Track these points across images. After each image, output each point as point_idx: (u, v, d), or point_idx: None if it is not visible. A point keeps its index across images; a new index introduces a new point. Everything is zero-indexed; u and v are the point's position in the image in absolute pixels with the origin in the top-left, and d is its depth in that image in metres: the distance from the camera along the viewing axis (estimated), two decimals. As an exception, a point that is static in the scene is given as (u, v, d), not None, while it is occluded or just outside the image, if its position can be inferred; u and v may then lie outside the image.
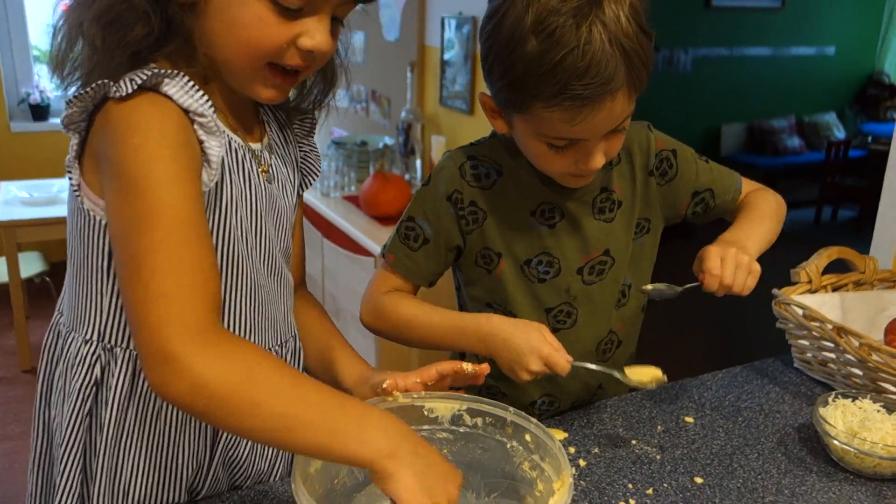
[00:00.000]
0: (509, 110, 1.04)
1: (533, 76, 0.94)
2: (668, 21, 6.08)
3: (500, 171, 1.16)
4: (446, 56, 3.13)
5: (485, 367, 0.99)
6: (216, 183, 0.86)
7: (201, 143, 0.81)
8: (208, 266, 0.76)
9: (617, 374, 1.11)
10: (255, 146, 0.97)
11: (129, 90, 0.77)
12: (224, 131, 0.89)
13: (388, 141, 3.37)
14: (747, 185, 1.31)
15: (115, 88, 0.78)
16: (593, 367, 1.10)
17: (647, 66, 0.97)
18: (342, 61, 1.03)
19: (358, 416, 0.77)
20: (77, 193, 0.86)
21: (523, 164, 1.14)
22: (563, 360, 1.04)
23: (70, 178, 0.86)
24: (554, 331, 1.20)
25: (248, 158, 0.94)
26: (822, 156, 6.45)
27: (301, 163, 1.09)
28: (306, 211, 2.92)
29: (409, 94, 3.31)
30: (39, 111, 4.29)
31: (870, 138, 6.76)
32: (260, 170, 0.96)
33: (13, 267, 3.27)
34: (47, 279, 3.66)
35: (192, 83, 0.81)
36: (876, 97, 7.47)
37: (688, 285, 1.12)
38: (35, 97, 4.27)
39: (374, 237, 2.64)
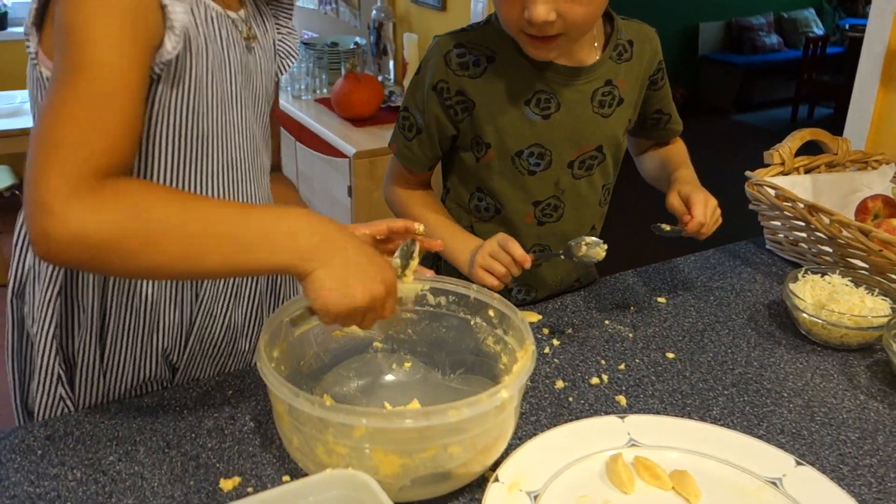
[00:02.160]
0: None
1: None
2: (646, -86, 5.90)
3: (491, 58, 1.13)
4: (416, -50, 3.03)
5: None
6: (191, 49, 0.83)
7: (164, 7, 0.77)
8: (118, 128, 0.72)
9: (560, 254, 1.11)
10: (233, 15, 0.93)
11: None
12: None
13: (360, 41, 3.29)
14: None
15: None
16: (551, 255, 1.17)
17: None
18: None
19: (270, 222, 0.74)
20: (35, 62, 0.84)
21: (518, 49, 1.10)
22: (520, 251, 1.06)
23: (28, 46, 0.83)
24: (539, 224, 1.20)
25: (226, 26, 0.90)
26: (800, 53, 6.39)
27: (278, 44, 1.05)
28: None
29: (379, -8, 3.21)
30: (5, 19, 4.13)
31: (847, 26, 6.69)
32: (242, 37, 0.93)
33: (-19, 180, 3.20)
34: (17, 192, 3.59)
35: None
36: (855, -9, 7.37)
37: (678, 228, 1.15)
38: (2, 3, 4.11)
39: (348, 139, 2.61)
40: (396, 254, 0.92)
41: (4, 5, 4.13)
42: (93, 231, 0.68)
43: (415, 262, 0.92)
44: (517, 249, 1.05)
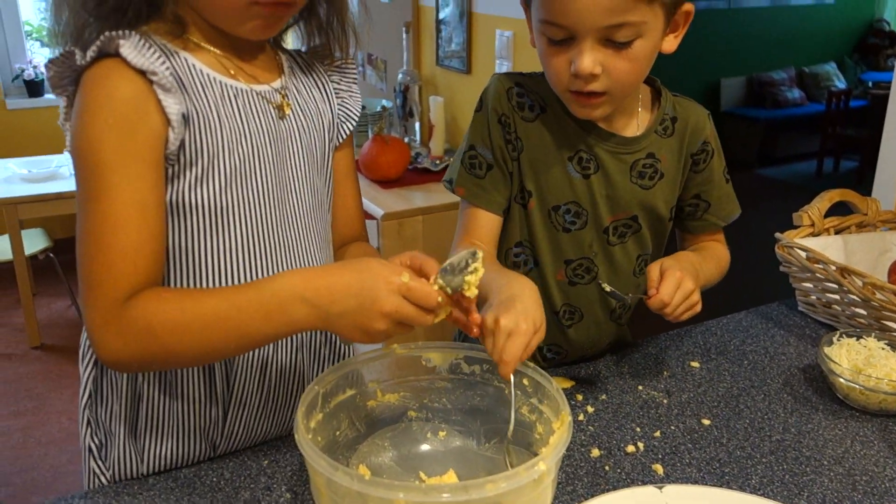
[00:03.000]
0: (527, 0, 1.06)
1: None
2: (665, -26, 5.99)
3: (543, 107, 1.15)
4: (441, 15, 3.10)
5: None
6: (199, 130, 0.87)
7: (160, 101, 0.83)
8: (136, 250, 0.81)
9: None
10: (262, 87, 0.96)
11: (89, 58, 0.81)
12: (205, 79, 0.90)
13: (386, 104, 3.35)
14: (720, 234, 1.31)
15: (78, 56, 0.82)
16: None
17: None
18: None
19: (274, 300, 0.80)
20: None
21: (565, 108, 1.12)
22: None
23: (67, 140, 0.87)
24: (570, 284, 1.21)
25: (248, 100, 0.94)
26: (823, 107, 6.41)
27: (337, 108, 1.07)
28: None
29: (405, 56, 3.29)
30: (34, 87, 4.27)
31: (870, 83, 6.71)
32: (273, 107, 0.96)
33: (17, 244, 3.27)
34: (51, 255, 3.67)
35: (144, 42, 0.84)
36: (876, 46, 7.39)
37: (639, 295, 1.08)
38: (29, 73, 4.24)
39: (376, 200, 2.64)
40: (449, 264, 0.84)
41: (41, 73, 4.26)
42: (123, 356, 0.81)
43: (475, 276, 0.84)
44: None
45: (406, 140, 3.17)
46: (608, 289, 1.08)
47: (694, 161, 1.21)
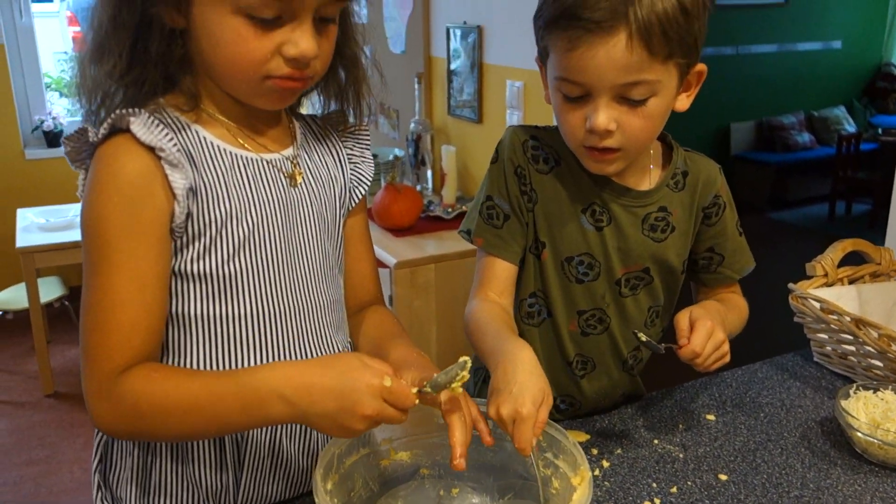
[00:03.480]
0: (542, 57, 1.08)
1: (548, 3, 1.02)
2: (673, 22, 6.06)
3: (557, 160, 1.17)
4: (453, 66, 3.15)
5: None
6: (206, 201, 0.89)
7: (167, 176, 0.86)
8: (132, 326, 0.85)
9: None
10: (273, 156, 0.98)
11: (101, 135, 0.85)
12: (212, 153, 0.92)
13: (399, 153, 3.39)
14: (737, 286, 1.31)
15: (91, 133, 0.85)
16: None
17: (666, 27, 0.96)
18: (368, 57, 1.04)
19: (253, 394, 0.82)
20: None
21: (579, 161, 1.14)
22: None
23: None
24: (583, 334, 1.21)
25: (258, 169, 0.95)
26: (833, 150, 6.42)
27: (350, 173, 1.09)
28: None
29: (417, 106, 3.33)
30: (53, 138, 4.34)
31: (880, 130, 6.73)
32: (285, 175, 0.98)
33: (33, 292, 3.30)
34: (66, 303, 3.69)
35: (153, 119, 0.86)
36: (884, 90, 7.44)
37: (671, 345, 1.07)
38: (48, 124, 4.32)
39: (388, 249, 2.66)
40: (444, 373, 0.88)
41: (60, 124, 4.34)
42: (114, 427, 0.86)
43: (460, 382, 0.87)
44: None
45: (418, 188, 3.19)
46: (644, 338, 1.08)
47: (706, 215, 1.22)
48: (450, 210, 2.93)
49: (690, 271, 1.27)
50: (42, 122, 4.33)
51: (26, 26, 4.25)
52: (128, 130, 0.84)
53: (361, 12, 1.07)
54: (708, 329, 1.04)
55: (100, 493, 1.00)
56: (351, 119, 1.08)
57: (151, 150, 0.85)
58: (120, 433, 0.88)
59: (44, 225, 3.47)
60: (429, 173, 3.28)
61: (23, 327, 3.72)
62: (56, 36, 5.09)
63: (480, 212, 1.20)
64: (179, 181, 0.86)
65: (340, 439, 0.89)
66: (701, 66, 1.07)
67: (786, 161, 6.60)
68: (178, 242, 0.89)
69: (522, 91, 2.72)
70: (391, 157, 3.36)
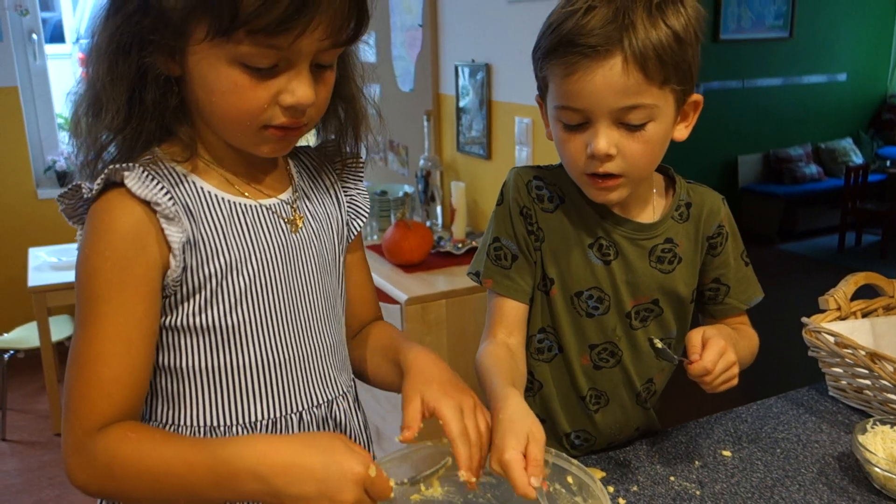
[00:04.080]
0: (542, 91, 1.11)
1: (546, 35, 1.05)
2: (678, 57, 6.12)
3: (562, 198, 1.18)
4: (461, 103, 3.18)
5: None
6: (204, 254, 0.89)
7: (163, 230, 0.85)
8: (113, 382, 0.84)
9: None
10: (272, 201, 0.97)
11: (95, 191, 0.85)
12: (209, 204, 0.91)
13: (408, 189, 3.41)
14: (745, 317, 1.31)
15: (85, 189, 0.85)
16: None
17: (660, 52, 0.99)
18: (367, 98, 1.04)
19: (226, 468, 0.80)
20: None
21: (583, 195, 1.15)
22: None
23: None
24: (595, 368, 1.21)
25: (257, 216, 0.95)
26: (842, 182, 6.43)
27: (347, 206, 1.09)
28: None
29: (426, 143, 3.36)
30: (65, 177, 4.38)
31: (888, 163, 6.74)
32: (285, 221, 0.97)
33: (44, 331, 3.31)
34: (77, 342, 3.69)
35: (148, 173, 0.85)
36: (891, 121, 7.47)
37: (682, 359, 1.08)
38: (61, 164, 4.36)
39: (399, 285, 2.66)
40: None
41: (73, 164, 4.38)
42: (88, 486, 0.84)
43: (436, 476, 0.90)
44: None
45: (428, 224, 3.21)
46: (659, 345, 1.10)
47: (710, 245, 1.23)
48: (460, 245, 2.94)
49: (698, 303, 1.27)
50: (55, 162, 4.38)
51: (40, 68, 4.32)
52: (122, 185, 0.84)
53: (369, 51, 1.09)
54: (720, 348, 1.04)
55: None
56: (347, 149, 1.08)
57: (147, 204, 0.84)
58: (91, 492, 0.85)
59: (55, 264, 3.49)
60: (438, 209, 3.30)
61: (34, 366, 3.73)
62: (69, 77, 5.16)
63: (488, 253, 1.21)
64: (176, 235, 0.86)
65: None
66: (697, 97, 1.10)
67: (794, 193, 6.61)
68: (177, 296, 0.89)
69: (531, 127, 2.74)
70: (401, 194, 3.38)
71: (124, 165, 0.84)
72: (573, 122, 1.05)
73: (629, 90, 1.00)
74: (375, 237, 3.24)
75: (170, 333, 0.91)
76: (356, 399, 1.09)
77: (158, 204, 0.85)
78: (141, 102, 0.86)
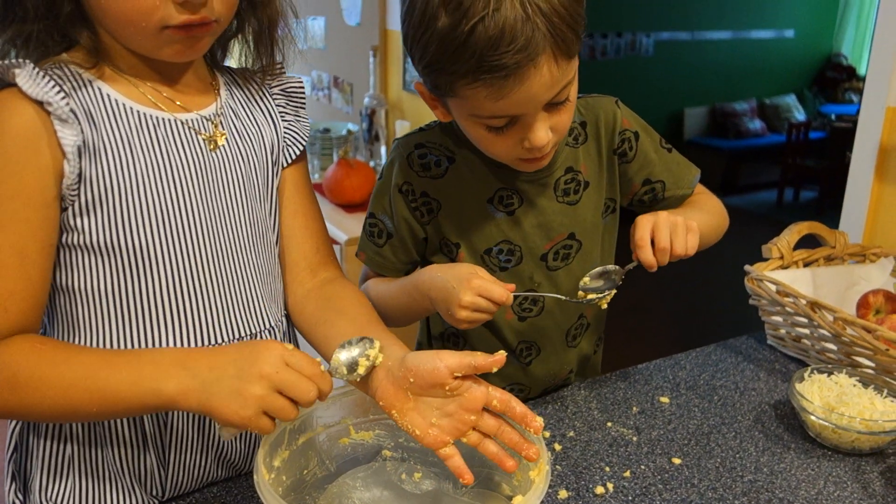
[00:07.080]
0: (439, 94, 0.98)
1: (448, 53, 0.88)
2: (631, 5, 6.08)
3: (451, 158, 1.12)
4: (409, 40, 3.08)
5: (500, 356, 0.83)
6: (105, 164, 0.82)
7: (56, 133, 0.79)
8: (4, 293, 0.78)
9: (564, 298, 1.09)
10: (189, 115, 0.91)
11: None
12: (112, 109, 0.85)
13: (352, 127, 3.32)
14: (699, 187, 1.27)
15: None
16: (537, 294, 1.11)
17: (573, 26, 0.89)
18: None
19: (151, 365, 0.76)
20: None
21: (474, 149, 1.09)
22: (498, 290, 0.97)
23: None
24: (521, 320, 1.17)
25: (170, 130, 0.88)
26: (784, 137, 6.51)
27: (283, 132, 1.01)
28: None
29: (371, 80, 3.26)
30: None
31: (833, 116, 6.84)
32: (203, 139, 0.91)
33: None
34: None
35: (39, 71, 0.79)
36: (834, 79, 7.57)
37: (627, 267, 1.04)
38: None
39: (340, 225, 2.59)
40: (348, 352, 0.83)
41: None
42: None
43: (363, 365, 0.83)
44: (495, 291, 0.97)
45: (372, 164, 3.13)
46: (586, 281, 1.08)
47: (619, 154, 1.17)
48: (403, 187, 2.87)
49: (647, 207, 1.22)
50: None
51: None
52: (13, 84, 0.78)
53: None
54: (643, 224, 1.01)
55: (13, 485, 0.93)
56: (277, 58, 0.99)
57: (40, 104, 0.78)
58: None
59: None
60: (382, 149, 3.22)
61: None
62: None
63: (364, 228, 1.18)
64: (70, 137, 0.79)
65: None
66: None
67: (737, 147, 6.68)
68: (76, 207, 0.82)
69: (479, 67, 2.67)
70: (344, 132, 3.28)
71: (15, 62, 0.78)
72: (500, 124, 0.96)
73: (558, 80, 0.92)
74: (317, 176, 3.15)
75: (72, 251, 0.84)
76: (287, 334, 1.03)
77: (51, 104, 0.78)
78: (20, 5, 0.80)
